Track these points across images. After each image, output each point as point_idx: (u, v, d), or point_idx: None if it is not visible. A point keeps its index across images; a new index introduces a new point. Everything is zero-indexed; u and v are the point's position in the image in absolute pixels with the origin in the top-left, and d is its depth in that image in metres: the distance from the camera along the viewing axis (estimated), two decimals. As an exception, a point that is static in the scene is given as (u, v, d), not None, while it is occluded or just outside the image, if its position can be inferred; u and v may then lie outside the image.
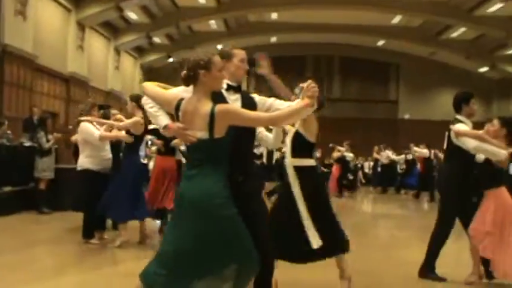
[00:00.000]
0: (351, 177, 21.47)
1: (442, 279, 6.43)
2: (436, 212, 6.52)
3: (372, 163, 25.04)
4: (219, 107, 3.67)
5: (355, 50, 31.42)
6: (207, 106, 3.67)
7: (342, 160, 19.53)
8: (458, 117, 6.38)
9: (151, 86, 3.98)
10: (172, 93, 3.95)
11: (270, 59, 4.62)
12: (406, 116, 31.75)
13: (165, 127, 3.90)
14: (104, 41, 23.77)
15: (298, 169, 5.53)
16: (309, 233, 5.40)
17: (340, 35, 28.87)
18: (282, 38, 29.88)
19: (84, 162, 7.94)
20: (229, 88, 4.11)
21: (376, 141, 24.20)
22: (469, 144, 6.21)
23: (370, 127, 30.68)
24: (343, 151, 19.74)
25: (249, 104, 4.09)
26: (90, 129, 7.80)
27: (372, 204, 19.20)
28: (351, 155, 21.09)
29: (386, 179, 22.49)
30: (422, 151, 18.43)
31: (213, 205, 3.70)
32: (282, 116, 3.95)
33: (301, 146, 5.59)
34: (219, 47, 29.10)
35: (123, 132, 7.75)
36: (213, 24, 26.50)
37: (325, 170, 19.91)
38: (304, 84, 4.12)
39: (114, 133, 7.92)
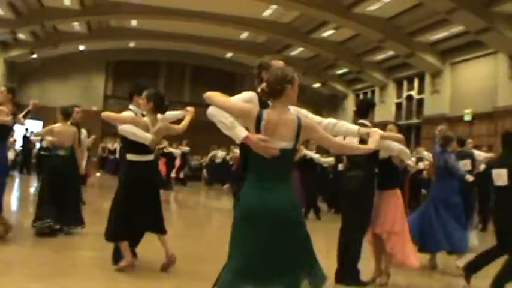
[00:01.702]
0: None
1: (365, 284, 6.44)
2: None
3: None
4: (304, 119, 3.86)
5: (206, 60, 32.80)
6: (292, 117, 3.80)
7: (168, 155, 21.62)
8: (364, 121, 6.43)
9: (221, 97, 3.87)
10: (248, 104, 3.96)
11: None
12: None
13: (245, 139, 3.74)
14: (-34, 34, 23.18)
15: None
16: None
17: (194, 45, 30.00)
18: (140, 43, 30.82)
19: None
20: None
21: (219, 142, 24.75)
22: (395, 147, 6.33)
23: (216, 131, 32.38)
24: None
25: None
26: None
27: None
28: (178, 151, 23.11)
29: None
30: None
31: (300, 214, 3.91)
32: (348, 147, 4.56)
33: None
34: (81, 47, 30.23)
35: None
36: (76, 25, 26.79)
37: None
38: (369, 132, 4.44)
39: None
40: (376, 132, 4.12)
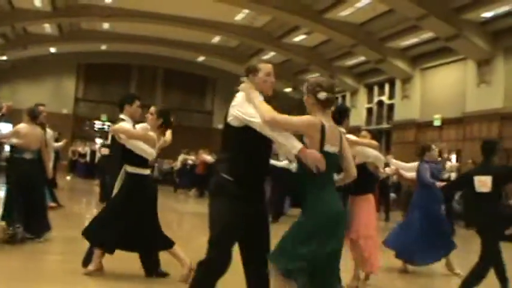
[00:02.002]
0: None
1: None
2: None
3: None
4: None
5: (178, 63, 32.80)
6: (334, 124, 4.23)
7: None
8: (339, 128, 6.70)
9: (277, 115, 4.10)
10: (305, 116, 4.17)
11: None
12: (220, 126, 34.12)
13: (300, 151, 3.98)
14: None
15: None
16: None
17: (166, 49, 29.99)
18: (112, 46, 30.64)
19: None
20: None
21: (192, 146, 25.04)
22: (371, 153, 6.57)
23: (188, 134, 32.37)
24: None
25: None
26: None
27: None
28: None
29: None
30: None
31: None
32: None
33: None
34: (52, 49, 29.95)
35: None
36: (47, 27, 26.57)
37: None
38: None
39: None
40: (313, 152, 3.96)
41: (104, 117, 32.77)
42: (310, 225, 3.98)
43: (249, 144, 4.22)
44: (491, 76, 18.78)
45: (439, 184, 8.17)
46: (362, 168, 6.43)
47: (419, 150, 8.57)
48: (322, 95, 4.10)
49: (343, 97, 29.55)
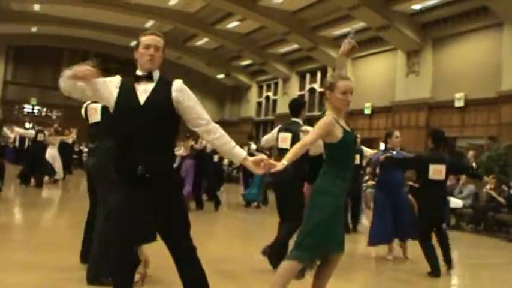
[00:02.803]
0: None
1: None
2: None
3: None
4: None
5: (110, 48, 32.08)
6: None
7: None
8: (296, 119, 6.91)
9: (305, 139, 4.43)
10: (325, 122, 4.41)
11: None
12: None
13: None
14: None
15: None
16: None
17: (98, 33, 29.54)
18: (43, 29, 29.87)
19: None
20: None
21: None
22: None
23: None
24: None
25: None
26: None
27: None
28: None
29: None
30: None
31: None
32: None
33: None
34: None
35: None
36: None
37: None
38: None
39: None
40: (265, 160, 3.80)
41: (34, 100, 31.98)
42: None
43: None
44: (420, 67, 19.32)
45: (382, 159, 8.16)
46: (318, 159, 6.26)
47: (384, 137, 8.79)
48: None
49: (276, 84, 29.79)
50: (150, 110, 3.63)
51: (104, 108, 5.27)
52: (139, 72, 3.75)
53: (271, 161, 3.91)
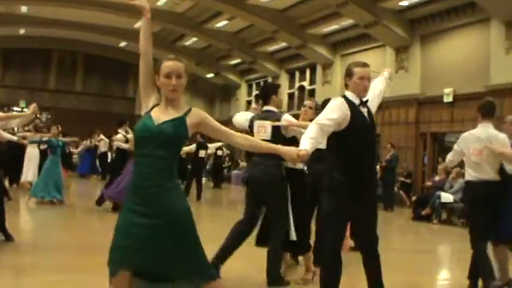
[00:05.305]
0: None
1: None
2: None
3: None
4: None
5: (99, 49, 32.14)
6: None
7: None
8: (269, 108, 6.09)
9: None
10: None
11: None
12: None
13: None
14: None
15: None
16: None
17: (87, 34, 29.39)
18: (31, 31, 29.79)
19: None
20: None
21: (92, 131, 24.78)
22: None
23: (108, 120, 31.85)
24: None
25: None
26: None
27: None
28: None
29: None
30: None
31: None
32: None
33: None
34: None
35: None
36: None
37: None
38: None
39: None
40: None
41: (22, 103, 31.91)
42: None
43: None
44: (409, 63, 19.38)
45: None
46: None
47: None
48: None
49: (265, 82, 29.77)
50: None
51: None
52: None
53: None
